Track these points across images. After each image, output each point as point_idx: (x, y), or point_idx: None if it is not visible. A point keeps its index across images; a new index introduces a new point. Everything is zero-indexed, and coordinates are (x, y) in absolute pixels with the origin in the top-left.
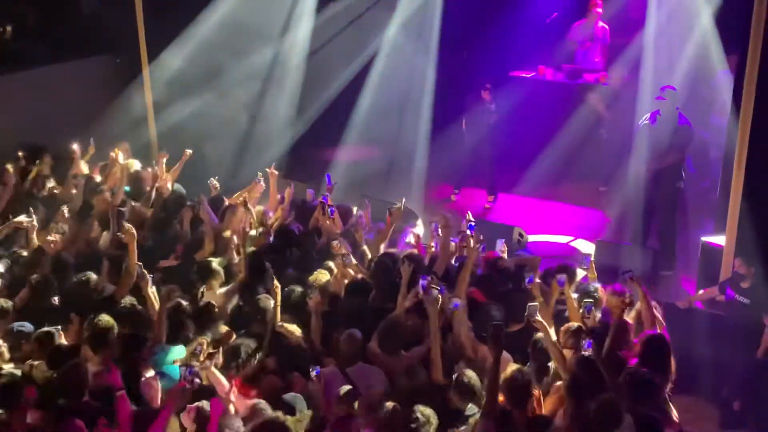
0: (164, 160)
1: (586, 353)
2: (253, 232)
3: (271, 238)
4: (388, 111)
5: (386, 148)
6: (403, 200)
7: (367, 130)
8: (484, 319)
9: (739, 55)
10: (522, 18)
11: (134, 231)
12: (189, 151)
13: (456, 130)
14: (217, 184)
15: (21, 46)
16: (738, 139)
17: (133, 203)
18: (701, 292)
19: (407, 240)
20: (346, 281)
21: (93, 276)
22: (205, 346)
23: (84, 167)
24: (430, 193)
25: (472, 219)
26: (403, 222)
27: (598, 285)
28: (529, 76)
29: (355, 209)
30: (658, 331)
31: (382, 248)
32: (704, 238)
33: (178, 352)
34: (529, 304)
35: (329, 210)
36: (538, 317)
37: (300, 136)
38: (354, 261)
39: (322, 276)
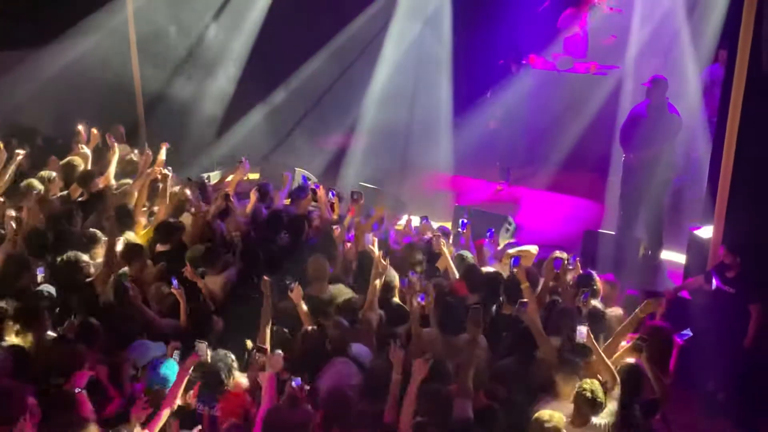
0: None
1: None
2: None
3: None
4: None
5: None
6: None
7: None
8: (456, 311)
9: (729, 49)
10: (514, 7)
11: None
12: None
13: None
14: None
15: (8, 26)
16: (727, 131)
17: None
18: (688, 281)
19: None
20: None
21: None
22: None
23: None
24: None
25: (465, 217)
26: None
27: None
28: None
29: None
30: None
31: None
32: (692, 229)
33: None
34: (521, 300)
35: (329, 193)
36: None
37: (304, 125)
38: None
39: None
